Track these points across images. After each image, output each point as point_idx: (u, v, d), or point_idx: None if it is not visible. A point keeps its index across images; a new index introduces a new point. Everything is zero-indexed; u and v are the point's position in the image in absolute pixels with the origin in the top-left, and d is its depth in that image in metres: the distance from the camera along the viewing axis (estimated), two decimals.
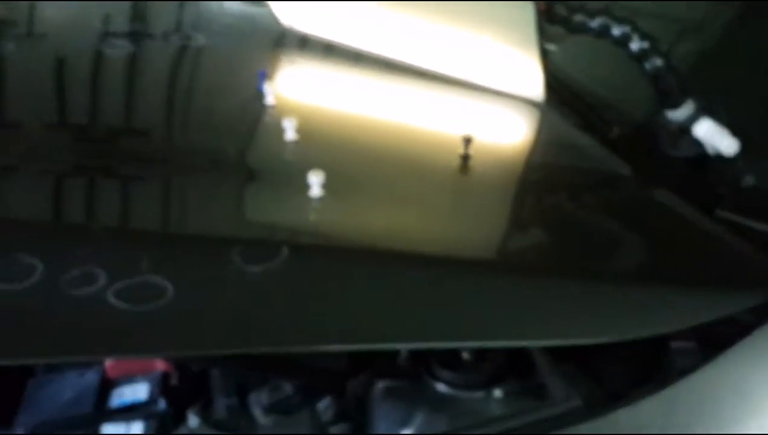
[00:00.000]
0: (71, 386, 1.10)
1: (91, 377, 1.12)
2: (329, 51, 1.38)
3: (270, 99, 1.20)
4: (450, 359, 0.95)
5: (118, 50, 1.36)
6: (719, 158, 1.08)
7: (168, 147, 1.14)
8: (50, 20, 1.51)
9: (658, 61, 1.09)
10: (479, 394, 0.92)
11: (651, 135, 1.15)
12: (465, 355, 0.95)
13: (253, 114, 1.21)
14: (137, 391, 1.12)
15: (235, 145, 1.12)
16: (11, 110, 1.26)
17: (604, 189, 1.09)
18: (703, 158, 1.10)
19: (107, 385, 1.12)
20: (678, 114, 1.10)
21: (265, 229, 0.98)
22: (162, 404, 1.06)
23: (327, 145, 1.12)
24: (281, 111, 1.17)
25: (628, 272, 0.95)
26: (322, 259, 0.91)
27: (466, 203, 1.05)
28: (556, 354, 0.91)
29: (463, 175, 1.08)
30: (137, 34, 1.44)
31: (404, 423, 0.91)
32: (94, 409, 1.07)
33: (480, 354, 0.95)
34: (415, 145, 1.16)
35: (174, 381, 1.15)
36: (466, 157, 1.08)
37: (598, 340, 0.82)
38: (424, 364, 0.97)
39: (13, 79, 1.34)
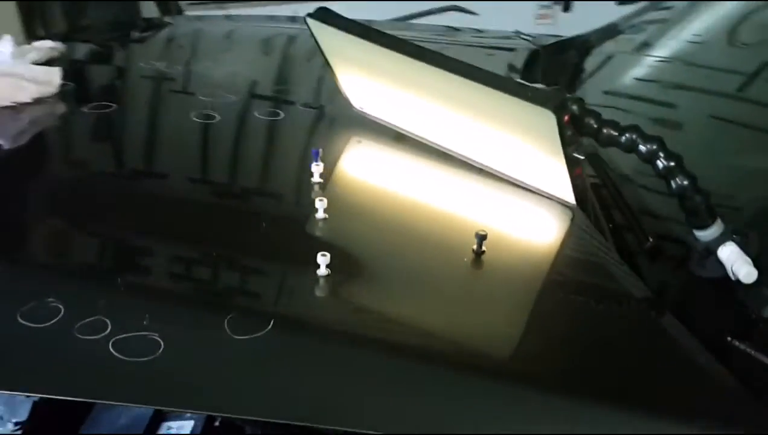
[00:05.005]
0: (127, 414, 1.28)
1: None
2: (395, 138, 1.47)
3: (316, 177, 1.31)
4: None
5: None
6: (744, 284, 1.05)
7: (219, 215, 1.27)
8: None
9: (684, 181, 1.08)
10: None
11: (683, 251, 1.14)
12: None
13: (298, 191, 1.34)
14: (183, 427, 1.28)
15: (274, 215, 1.25)
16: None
17: (612, 306, 1.07)
18: (730, 282, 1.06)
19: (159, 417, 1.28)
20: (705, 234, 1.09)
21: (263, 301, 1.08)
22: None
23: (350, 227, 1.21)
24: (321, 189, 1.29)
25: (611, 395, 0.93)
26: (303, 335, 1.00)
27: (472, 298, 1.08)
28: None
29: (475, 269, 1.11)
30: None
31: None
32: None
33: None
34: (433, 236, 1.20)
35: (217, 423, 1.30)
36: (479, 253, 1.11)
37: None
38: None
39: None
